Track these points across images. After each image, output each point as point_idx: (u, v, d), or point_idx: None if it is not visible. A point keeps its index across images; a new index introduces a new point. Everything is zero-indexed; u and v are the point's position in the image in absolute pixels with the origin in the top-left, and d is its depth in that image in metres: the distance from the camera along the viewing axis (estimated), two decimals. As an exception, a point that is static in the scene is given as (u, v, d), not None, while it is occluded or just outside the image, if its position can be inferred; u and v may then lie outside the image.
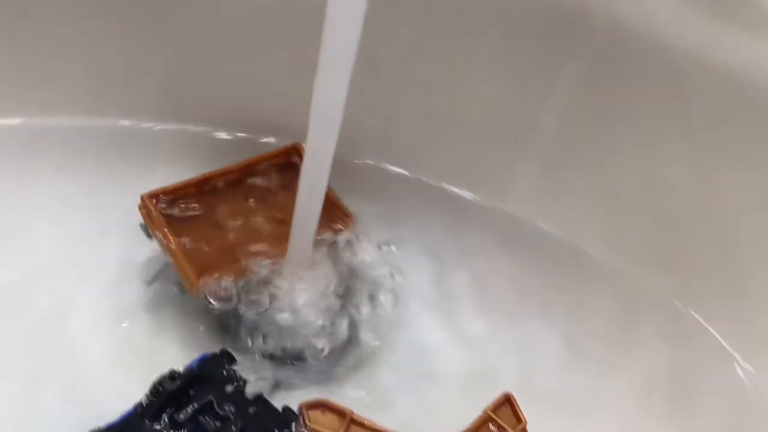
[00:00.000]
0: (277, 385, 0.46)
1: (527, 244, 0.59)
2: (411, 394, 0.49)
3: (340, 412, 0.42)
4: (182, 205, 0.53)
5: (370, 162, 0.62)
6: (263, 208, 0.54)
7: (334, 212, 0.54)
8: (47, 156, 0.57)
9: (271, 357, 0.48)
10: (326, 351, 0.48)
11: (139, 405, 0.40)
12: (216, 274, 0.49)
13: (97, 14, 0.56)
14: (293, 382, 0.47)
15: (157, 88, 0.60)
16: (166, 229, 0.50)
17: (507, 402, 0.43)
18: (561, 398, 0.50)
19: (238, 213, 0.54)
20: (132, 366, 0.47)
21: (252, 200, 0.55)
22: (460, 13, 0.53)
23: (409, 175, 0.62)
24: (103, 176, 0.57)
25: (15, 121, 0.59)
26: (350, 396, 0.48)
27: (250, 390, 0.43)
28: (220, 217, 0.53)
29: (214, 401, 0.41)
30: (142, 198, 0.52)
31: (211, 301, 0.47)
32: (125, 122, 0.61)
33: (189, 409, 0.41)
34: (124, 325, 0.50)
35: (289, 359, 0.48)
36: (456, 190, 0.62)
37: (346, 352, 0.50)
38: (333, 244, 0.51)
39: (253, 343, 0.48)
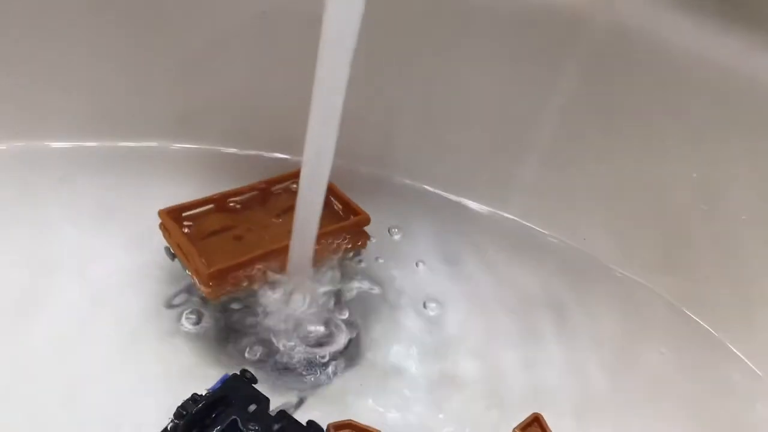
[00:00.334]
0: (300, 403, 0.46)
1: (529, 247, 0.59)
2: (424, 405, 0.49)
3: None
4: (200, 219, 0.54)
5: (370, 170, 0.62)
6: (280, 224, 0.55)
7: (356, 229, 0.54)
8: (52, 178, 0.58)
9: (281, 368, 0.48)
10: (327, 359, 0.48)
11: (165, 430, 0.40)
12: (232, 276, 0.50)
13: (99, 36, 0.56)
14: (311, 397, 0.47)
15: (162, 107, 0.60)
16: (181, 235, 0.51)
17: (535, 421, 0.44)
18: (566, 399, 0.50)
19: (255, 228, 0.55)
20: (152, 389, 0.46)
21: (271, 216, 0.56)
22: (459, 16, 0.53)
23: (409, 182, 0.62)
24: (113, 197, 0.57)
25: (17, 144, 0.59)
26: (369, 409, 0.48)
27: (273, 407, 0.42)
28: (238, 231, 0.54)
29: (239, 420, 0.41)
30: (160, 213, 0.52)
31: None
32: (131, 144, 0.61)
33: (214, 431, 0.41)
34: (142, 347, 0.49)
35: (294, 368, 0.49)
36: (457, 196, 0.62)
37: (353, 364, 0.50)
38: (336, 255, 0.52)
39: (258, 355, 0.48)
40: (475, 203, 0.62)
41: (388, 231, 0.59)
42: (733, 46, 0.48)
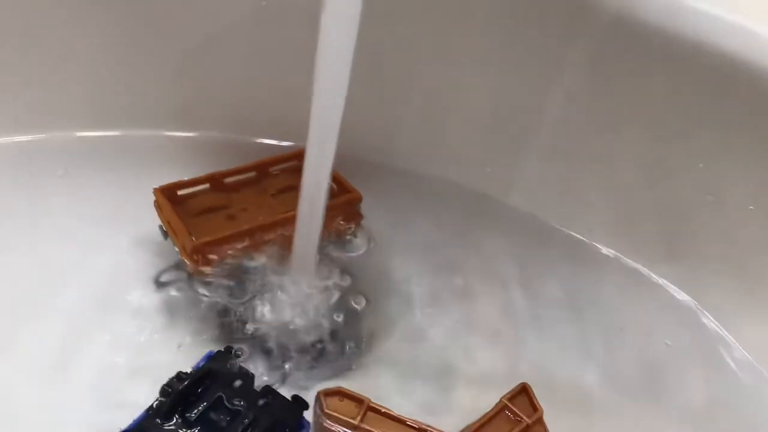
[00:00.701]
0: (285, 378, 0.47)
1: (532, 237, 0.59)
2: (423, 385, 0.49)
3: (357, 400, 0.43)
4: (195, 198, 0.54)
5: (372, 159, 0.61)
6: (275, 204, 0.55)
7: (345, 209, 0.54)
8: (56, 169, 0.58)
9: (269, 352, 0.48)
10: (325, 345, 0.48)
11: (150, 408, 0.41)
12: (217, 250, 0.50)
13: (97, 27, 0.56)
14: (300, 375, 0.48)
15: (163, 97, 0.60)
16: (172, 212, 0.51)
17: (523, 391, 0.44)
18: (573, 392, 0.49)
19: (250, 207, 0.54)
20: (142, 368, 0.47)
21: (267, 196, 0.56)
22: (461, 5, 0.52)
23: (412, 171, 0.62)
24: (114, 185, 0.58)
25: (21, 138, 0.60)
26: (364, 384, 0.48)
27: (258, 383, 0.43)
28: (232, 210, 0.54)
29: (224, 397, 0.41)
30: (154, 191, 0.53)
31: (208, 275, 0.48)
32: (131, 132, 0.61)
33: (199, 407, 0.41)
34: (133, 329, 0.50)
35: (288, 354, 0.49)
36: (460, 185, 0.61)
37: (350, 347, 0.50)
38: (338, 243, 0.52)
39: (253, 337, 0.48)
40: (477, 191, 0.62)
41: (382, 224, 0.58)
42: (738, 35, 0.47)
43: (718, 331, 0.54)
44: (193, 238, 0.50)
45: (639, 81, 0.51)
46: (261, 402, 0.42)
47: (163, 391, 0.41)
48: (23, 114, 0.60)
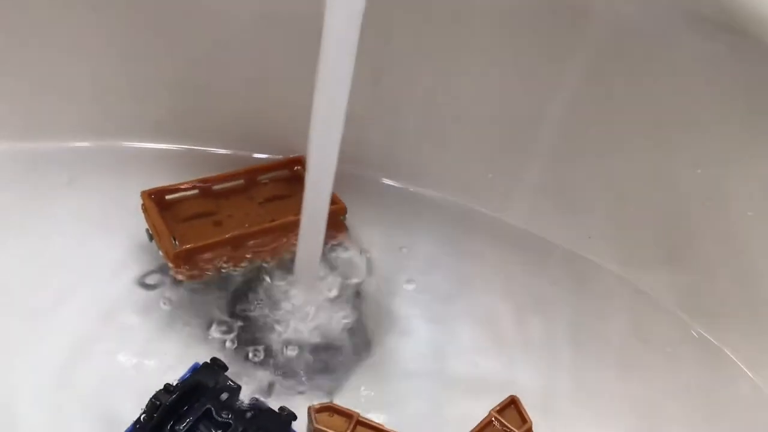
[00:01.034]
0: (270, 388, 0.46)
1: (531, 252, 0.59)
2: (414, 397, 0.49)
3: (347, 415, 0.43)
4: (183, 203, 0.54)
5: (372, 175, 0.61)
6: (262, 213, 0.55)
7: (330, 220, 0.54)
8: (60, 177, 0.58)
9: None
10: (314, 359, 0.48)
11: (137, 421, 0.40)
12: (200, 257, 0.50)
13: (100, 37, 0.56)
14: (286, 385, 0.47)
15: (160, 108, 0.60)
16: (157, 216, 0.51)
17: (512, 403, 0.44)
18: (569, 405, 0.49)
19: (236, 214, 0.54)
20: (126, 378, 0.47)
21: (254, 204, 0.56)
22: (460, 16, 0.51)
23: (411, 188, 0.62)
24: (117, 197, 0.56)
25: (21, 145, 0.60)
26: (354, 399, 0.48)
27: (245, 394, 0.42)
28: (218, 217, 0.54)
29: (212, 409, 0.41)
30: (141, 194, 0.53)
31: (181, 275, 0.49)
32: (128, 143, 0.61)
33: (188, 420, 0.40)
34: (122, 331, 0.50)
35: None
36: (460, 201, 0.61)
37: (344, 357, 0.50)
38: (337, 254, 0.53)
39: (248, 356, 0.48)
40: (477, 206, 0.61)
41: (381, 239, 0.58)
42: (737, 42, 0.46)
43: (715, 342, 0.54)
44: (177, 243, 0.50)
45: (639, 89, 0.51)
46: (249, 414, 0.41)
47: (152, 405, 0.40)
48: (28, 122, 0.60)
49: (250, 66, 0.57)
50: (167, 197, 0.54)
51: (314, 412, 0.43)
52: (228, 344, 0.49)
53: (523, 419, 0.43)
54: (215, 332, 0.49)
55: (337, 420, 0.42)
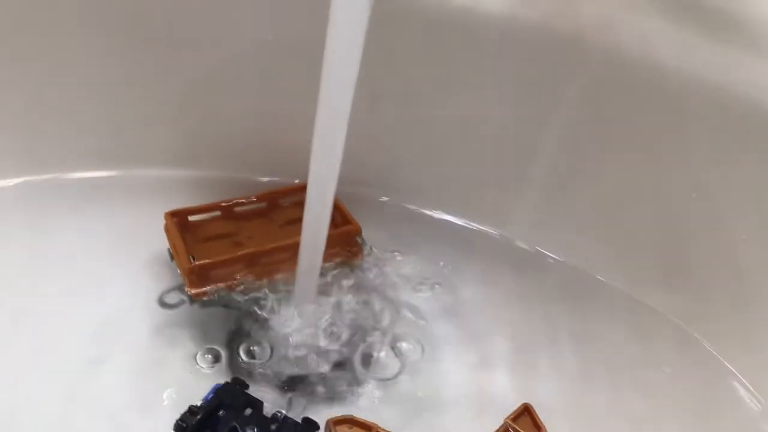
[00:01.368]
0: (291, 403, 0.48)
1: (531, 270, 0.59)
2: (431, 415, 0.49)
3: (366, 427, 0.44)
4: (205, 224, 0.55)
5: (371, 194, 0.62)
6: (281, 235, 0.55)
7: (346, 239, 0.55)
8: (64, 207, 0.59)
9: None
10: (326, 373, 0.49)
11: (167, 443, 0.42)
12: (215, 274, 0.51)
13: (105, 66, 0.57)
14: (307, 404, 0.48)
15: (170, 135, 0.61)
16: (177, 235, 0.52)
17: (526, 411, 0.45)
18: (573, 420, 0.49)
19: (256, 236, 0.55)
20: (146, 398, 0.48)
21: (275, 226, 0.57)
22: (458, 44, 0.52)
23: (410, 208, 0.62)
24: (126, 225, 0.58)
25: (31, 178, 0.61)
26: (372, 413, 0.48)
27: (268, 409, 0.44)
28: (239, 238, 0.55)
29: (238, 427, 0.42)
30: (165, 215, 0.54)
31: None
32: (138, 171, 0.62)
33: (217, 438, 0.42)
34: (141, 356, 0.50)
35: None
36: (459, 219, 0.62)
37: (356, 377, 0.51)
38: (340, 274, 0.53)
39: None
40: (476, 225, 0.62)
41: (383, 257, 0.58)
42: (731, 68, 0.47)
43: (715, 356, 0.54)
44: (194, 260, 0.51)
45: (633, 112, 0.51)
46: (273, 427, 0.43)
47: (178, 427, 0.42)
48: (31, 155, 0.61)
49: (258, 91, 0.58)
50: (190, 218, 0.55)
51: (333, 424, 0.44)
52: (245, 361, 0.50)
53: (537, 427, 0.45)
54: (230, 349, 0.51)
55: (356, 432, 0.44)
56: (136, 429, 0.45)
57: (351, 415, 0.44)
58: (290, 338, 0.49)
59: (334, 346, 0.50)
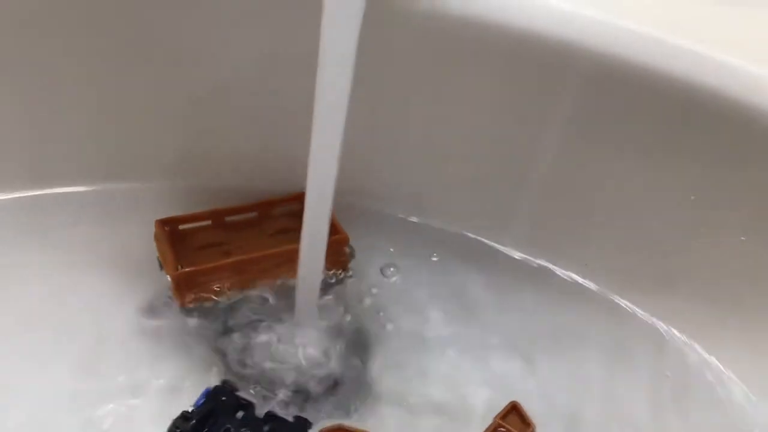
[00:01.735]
0: (280, 404, 0.48)
1: (529, 280, 0.59)
2: (424, 422, 0.50)
3: None
4: (196, 233, 0.55)
5: (368, 205, 0.61)
6: (271, 244, 0.55)
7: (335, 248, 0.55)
8: (65, 220, 0.59)
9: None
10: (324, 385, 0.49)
11: (162, 450, 0.42)
12: (201, 281, 0.51)
13: (100, 80, 0.57)
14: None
15: (166, 148, 0.61)
16: (166, 243, 0.53)
17: (514, 409, 0.47)
18: (568, 424, 0.50)
19: (246, 245, 0.55)
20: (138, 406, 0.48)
21: (265, 236, 0.57)
22: (453, 51, 0.52)
23: (410, 219, 0.62)
24: (122, 239, 0.58)
25: (30, 193, 0.61)
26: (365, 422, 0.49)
27: (259, 410, 0.44)
28: (229, 247, 0.55)
29: (231, 429, 0.43)
30: (155, 222, 0.54)
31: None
32: (128, 185, 0.62)
33: (211, 442, 0.43)
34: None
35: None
36: (458, 230, 0.61)
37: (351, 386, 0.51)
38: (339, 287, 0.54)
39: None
40: (474, 235, 0.62)
41: (382, 270, 0.59)
42: (724, 75, 0.47)
43: (714, 365, 0.54)
44: (181, 268, 0.51)
45: (629, 118, 0.51)
46: (266, 428, 0.43)
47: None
48: (24, 170, 0.61)
49: (253, 104, 0.58)
50: (180, 227, 0.55)
51: (325, 433, 0.45)
52: (236, 368, 0.50)
53: (526, 423, 0.46)
54: (219, 355, 0.51)
55: (348, 440, 0.44)
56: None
57: (342, 424, 0.45)
58: (279, 344, 0.49)
59: (325, 356, 0.50)
